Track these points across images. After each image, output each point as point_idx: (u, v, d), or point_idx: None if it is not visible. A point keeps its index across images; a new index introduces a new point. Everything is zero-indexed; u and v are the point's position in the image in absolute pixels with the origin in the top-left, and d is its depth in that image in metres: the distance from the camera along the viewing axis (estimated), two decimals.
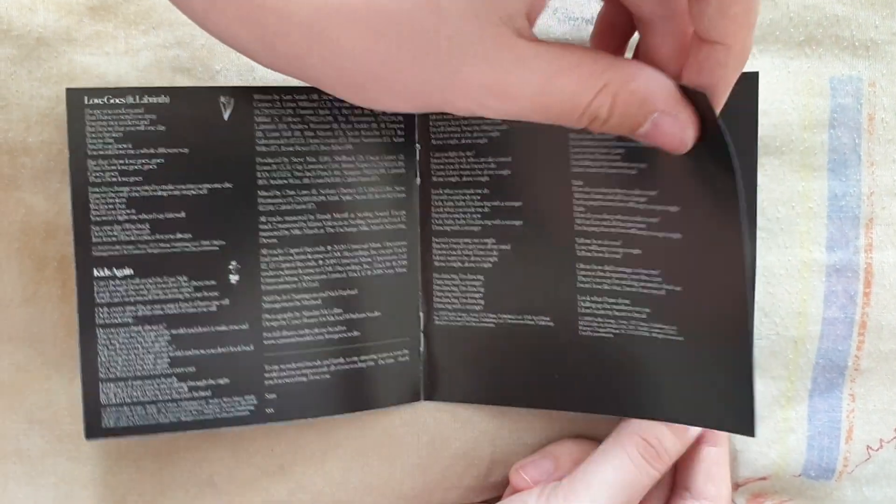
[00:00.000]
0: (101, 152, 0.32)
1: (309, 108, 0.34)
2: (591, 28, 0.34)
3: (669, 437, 0.33)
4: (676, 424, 0.33)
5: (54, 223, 0.34)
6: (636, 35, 0.29)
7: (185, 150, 0.32)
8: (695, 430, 0.34)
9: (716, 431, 0.35)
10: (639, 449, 0.33)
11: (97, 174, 0.32)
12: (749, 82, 0.34)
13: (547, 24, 0.35)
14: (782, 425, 0.37)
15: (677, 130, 0.27)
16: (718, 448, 0.35)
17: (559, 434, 0.37)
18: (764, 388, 0.37)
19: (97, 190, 0.32)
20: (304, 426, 0.36)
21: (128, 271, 0.32)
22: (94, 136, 0.32)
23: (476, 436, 0.37)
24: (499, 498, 0.38)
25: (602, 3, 0.29)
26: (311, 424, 0.36)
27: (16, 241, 0.34)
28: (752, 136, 0.34)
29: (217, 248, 0.33)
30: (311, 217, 0.34)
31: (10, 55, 0.33)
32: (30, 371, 0.35)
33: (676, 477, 0.36)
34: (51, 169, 0.34)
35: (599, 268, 0.34)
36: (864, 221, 0.36)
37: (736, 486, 0.38)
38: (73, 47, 0.33)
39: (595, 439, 0.37)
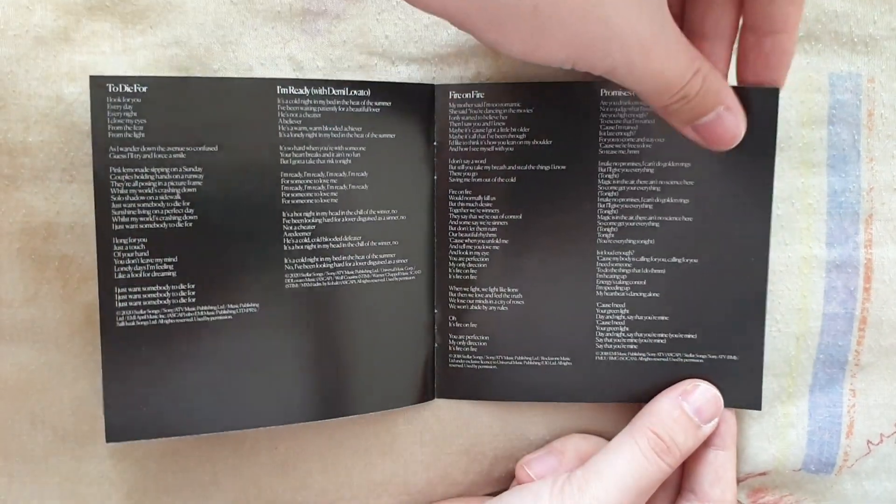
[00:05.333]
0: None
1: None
2: None
3: (680, 434, 0.34)
4: (688, 422, 0.34)
5: (55, 223, 0.34)
6: None
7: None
8: (708, 428, 0.34)
9: (725, 435, 0.35)
10: (650, 443, 0.33)
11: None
12: (770, 97, 0.34)
13: None
14: (782, 420, 0.37)
15: (734, 126, 0.30)
16: (726, 452, 0.35)
17: (562, 429, 0.37)
18: (765, 385, 0.37)
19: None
20: (306, 424, 0.36)
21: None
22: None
23: (479, 432, 0.37)
24: (502, 492, 0.38)
25: None
26: (314, 423, 0.36)
27: (16, 241, 0.34)
28: (770, 148, 0.34)
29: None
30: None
31: (7, 55, 0.33)
32: (32, 371, 0.35)
33: (683, 479, 0.36)
34: (51, 168, 0.34)
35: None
36: (863, 217, 0.36)
37: (736, 482, 0.38)
38: (71, 47, 0.33)
39: (598, 434, 0.37)
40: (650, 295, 0.35)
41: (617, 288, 0.36)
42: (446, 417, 0.37)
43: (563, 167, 0.35)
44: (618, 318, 0.36)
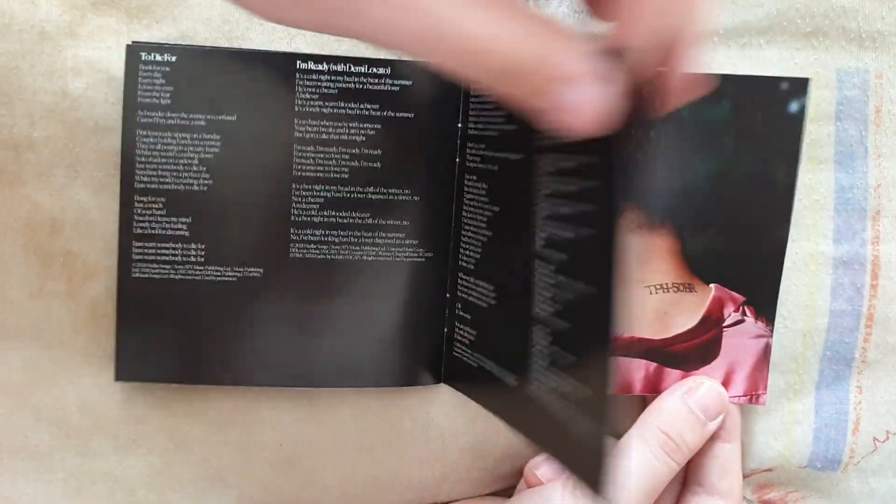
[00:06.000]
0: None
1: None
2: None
3: (688, 432, 0.34)
4: (695, 420, 0.34)
5: (59, 219, 0.34)
6: None
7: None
8: (713, 425, 0.34)
9: (730, 428, 0.35)
10: (659, 442, 0.33)
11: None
12: (801, 86, 0.33)
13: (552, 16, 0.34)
14: (789, 417, 0.37)
15: (588, 102, 0.21)
16: (732, 444, 0.35)
17: None
18: (772, 381, 0.37)
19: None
20: (311, 421, 0.36)
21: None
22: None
23: (484, 429, 0.37)
24: (508, 489, 0.38)
25: None
26: (319, 419, 0.36)
27: (21, 237, 0.34)
28: (796, 142, 0.33)
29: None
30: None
31: (12, 50, 0.33)
32: (37, 367, 0.35)
33: (689, 472, 0.36)
34: (56, 164, 0.34)
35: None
36: (870, 214, 0.36)
37: (742, 478, 0.38)
38: (76, 42, 0.33)
39: None
40: None
41: None
42: (452, 414, 0.37)
43: (521, 157, 0.31)
44: None
